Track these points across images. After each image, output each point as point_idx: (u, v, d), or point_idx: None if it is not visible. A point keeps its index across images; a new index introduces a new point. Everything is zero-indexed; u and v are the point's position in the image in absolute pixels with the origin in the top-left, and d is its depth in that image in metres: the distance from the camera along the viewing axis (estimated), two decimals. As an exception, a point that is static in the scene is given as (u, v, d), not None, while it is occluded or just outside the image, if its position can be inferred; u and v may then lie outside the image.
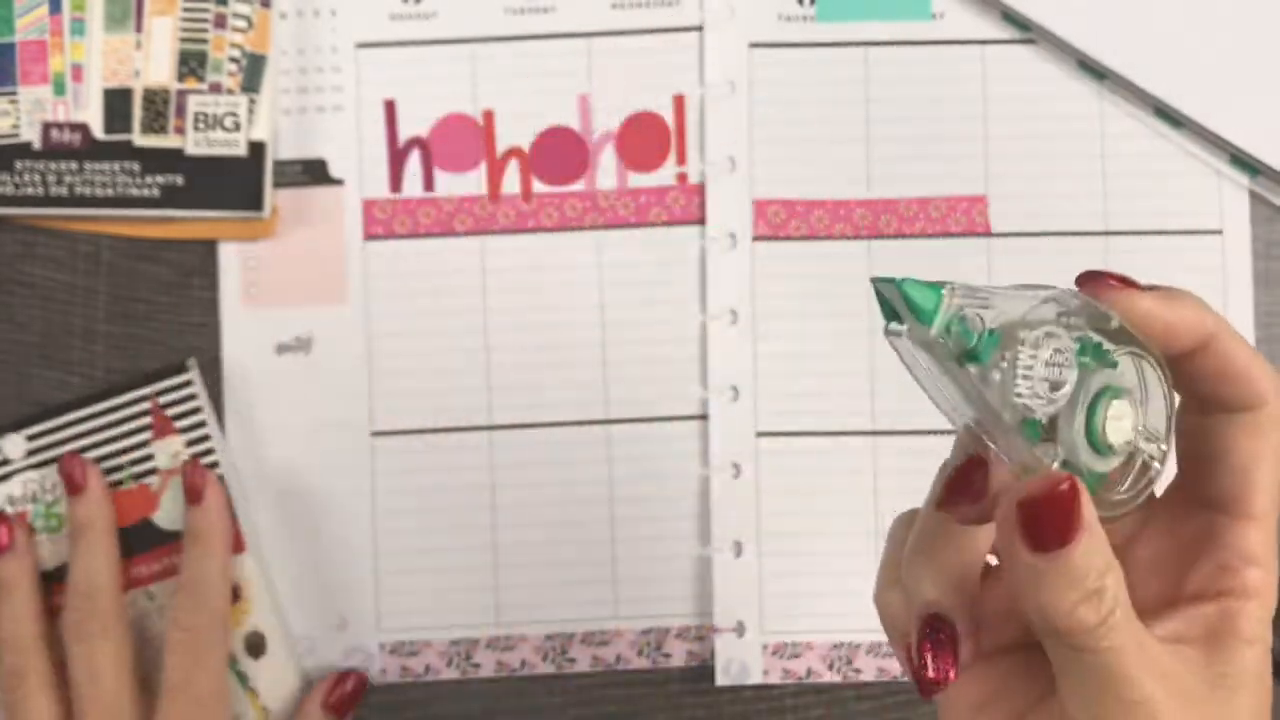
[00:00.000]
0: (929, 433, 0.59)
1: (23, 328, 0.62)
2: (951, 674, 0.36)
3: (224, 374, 0.61)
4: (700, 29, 0.61)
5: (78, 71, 0.61)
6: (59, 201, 0.60)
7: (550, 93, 0.61)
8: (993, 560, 0.38)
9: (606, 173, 0.60)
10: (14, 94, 0.61)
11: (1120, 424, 0.34)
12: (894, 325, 0.34)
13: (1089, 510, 0.33)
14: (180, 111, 0.60)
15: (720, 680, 0.59)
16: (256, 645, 0.59)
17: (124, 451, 0.60)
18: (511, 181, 0.61)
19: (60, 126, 0.61)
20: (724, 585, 0.59)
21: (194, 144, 0.59)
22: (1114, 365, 0.34)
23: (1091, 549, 0.33)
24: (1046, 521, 0.33)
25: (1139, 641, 0.34)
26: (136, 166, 0.59)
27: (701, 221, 0.60)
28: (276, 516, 0.61)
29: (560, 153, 0.61)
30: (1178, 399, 0.36)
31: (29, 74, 0.61)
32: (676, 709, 0.60)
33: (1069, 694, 0.35)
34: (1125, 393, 0.34)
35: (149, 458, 0.60)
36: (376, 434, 0.61)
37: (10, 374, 0.62)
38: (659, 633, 0.60)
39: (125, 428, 0.60)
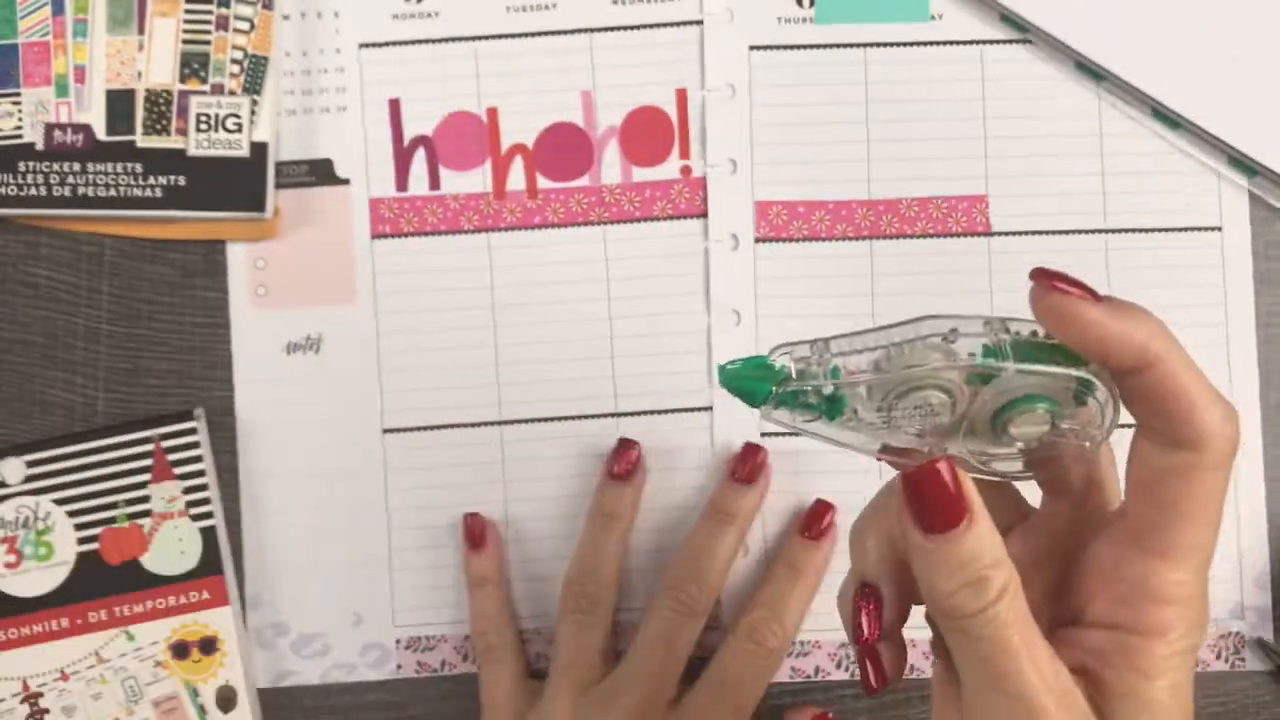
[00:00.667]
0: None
1: (26, 328, 0.62)
2: (876, 634, 0.39)
3: (234, 375, 0.61)
4: (700, 23, 0.61)
5: (80, 73, 0.61)
6: (62, 202, 0.60)
7: (553, 89, 0.61)
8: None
9: (611, 168, 0.61)
10: (17, 95, 0.61)
11: (1025, 429, 0.36)
12: (762, 408, 0.36)
13: (976, 502, 0.35)
14: (182, 113, 0.60)
15: None
16: (228, 699, 0.60)
17: (122, 490, 0.60)
18: (516, 178, 0.61)
19: (63, 128, 0.61)
20: (731, 584, 0.60)
21: (196, 145, 0.60)
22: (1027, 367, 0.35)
23: (978, 539, 0.35)
24: (931, 504, 0.35)
25: (1027, 641, 0.35)
26: (139, 167, 0.60)
27: (706, 215, 0.60)
28: (289, 515, 0.61)
29: (564, 149, 0.61)
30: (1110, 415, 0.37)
31: (32, 75, 0.61)
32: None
33: (962, 681, 0.36)
34: (1039, 399, 0.36)
35: (145, 499, 0.60)
36: (388, 431, 0.61)
37: (13, 374, 0.62)
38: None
39: (126, 466, 0.61)
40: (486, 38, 0.61)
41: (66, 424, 0.62)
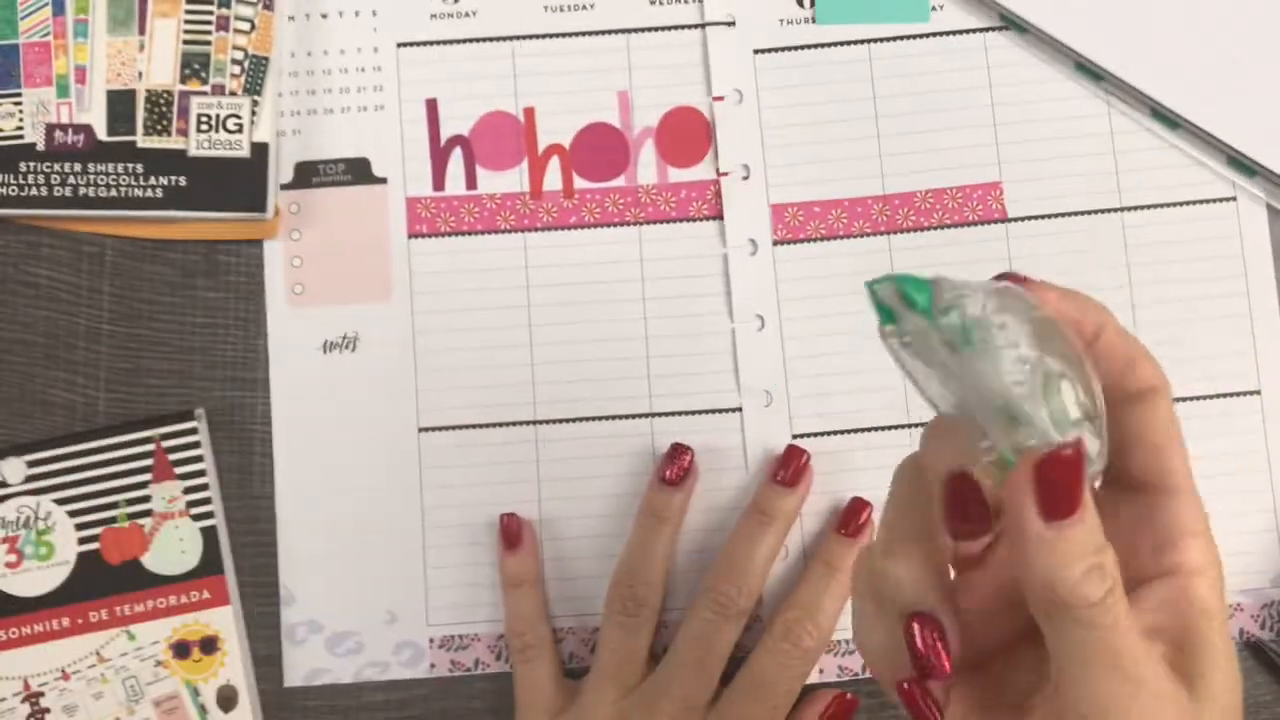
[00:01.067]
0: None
1: (27, 328, 0.61)
2: (947, 667, 0.37)
3: (271, 374, 0.61)
4: (733, 24, 0.62)
5: (81, 73, 0.61)
6: (63, 202, 0.59)
7: (590, 90, 0.62)
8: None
9: (647, 168, 0.61)
10: (18, 95, 0.60)
11: (1070, 402, 0.36)
12: (888, 326, 0.36)
13: (1087, 485, 0.35)
14: (183, 113, 0.60)
15: None
16: (228, 699, 0.59)
17: (122, 490, 0.60)
18: (553, 178, 0.61)
19: (64, 128, 0.60)
20: (771, 585, 0.60)
21: (197, 146, 0.59)
22: (1058, 349, 0.35)
23: (1094, 523, 0.35)
24: (1058, 489, 0.35)
25: (1129, 623, 0.35)
26: (140, 168, 0.59)
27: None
28: (324, 514, 0.61)
29: (601, 149, 0.61)
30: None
31: (33, 76, 0.60)
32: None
33: (1071, 678, 0.36)
34: (1067, 375, 0.35)
35: (146, 499, 0.60)
36: (424, 430, 0.61)
37: (14, 374, 0.61)
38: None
39: (127, 466, 0.60)
40: (524, 38, 0.61)
41: (67, 424, 0.61)
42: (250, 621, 0.61)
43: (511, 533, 0.59)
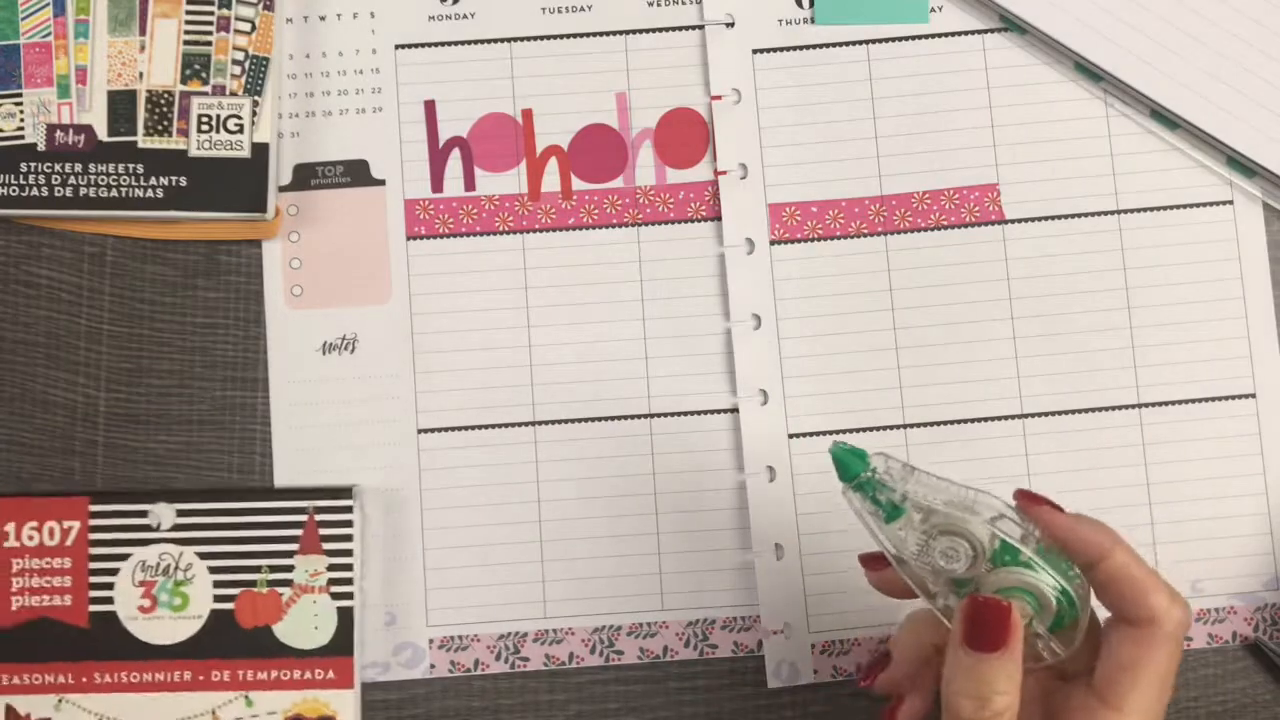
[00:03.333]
0: (959, 422, 0.61)
1: (28, 328, 0.62)
2: (870, 683, 0.52)
3: (270, 375, 0.61)
4: (732, 25, 0.62)
5: (82, 74, 0.61)
6: (63, 203, 0.60)
7: (588, 91, 0.62)
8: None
9: (645, 169, 0.61)
10: (19, 96, 0.60)
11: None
12: (843, 484, 0.47)
13: (1017, 638, 0.44)
14: (184, 113, 0.60)
15: (771, 683, 0.60)
16: None
17: (267, 555, 0.60)
18: (551, 180, 0.61)
19: (65, 128, 0.60)
20: (767, 588, 0.60)
21: (197, 146, 0.59)
22: (1026, 566, 0.45)
23: (1003, 667, 0.44)
24: (982, 627, 0.44)
25: None
26: (140, 168, 0.59)
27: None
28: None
29: (599, 150, 0.61)
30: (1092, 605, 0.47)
31: (33, 76, 0.60)
32: (678, 705, 0.62)
33: None
34: (1027, 592, 0.45)
35: (289, 568, 0.59)
36: (423, 431, 0.61)
37: (16, 374, 0.61)
38: (705, 624, 0.60)
39: (276, 532, 0.60)
40: (522, 39, 0.61)
41: (68, 424, 0.61)
42: None
43: None
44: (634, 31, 0.61)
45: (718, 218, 0.60)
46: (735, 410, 0.61)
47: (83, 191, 0.59)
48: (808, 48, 0.61)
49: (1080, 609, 0.45)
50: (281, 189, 0.61)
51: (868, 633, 0.61)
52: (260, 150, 0.59)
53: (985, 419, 0.60)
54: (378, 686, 0.61)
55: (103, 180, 0.59)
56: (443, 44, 0.61)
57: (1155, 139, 0.60)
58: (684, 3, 0.61)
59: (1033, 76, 0.60)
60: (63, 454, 0.61)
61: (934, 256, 0.60)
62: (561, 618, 0.61)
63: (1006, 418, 0.60)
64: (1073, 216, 0.60)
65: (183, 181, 0.59)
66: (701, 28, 0.62)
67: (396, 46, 0.61)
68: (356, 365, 0.61)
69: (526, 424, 0.61)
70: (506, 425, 0.61)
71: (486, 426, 0.61)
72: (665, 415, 0.61)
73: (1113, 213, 0.60)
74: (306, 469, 0.61)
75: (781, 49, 0.61)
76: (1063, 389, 0.59)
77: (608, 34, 0.61)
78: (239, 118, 0.59)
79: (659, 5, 0.61)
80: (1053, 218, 0.60)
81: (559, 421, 0.61)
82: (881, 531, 0.47)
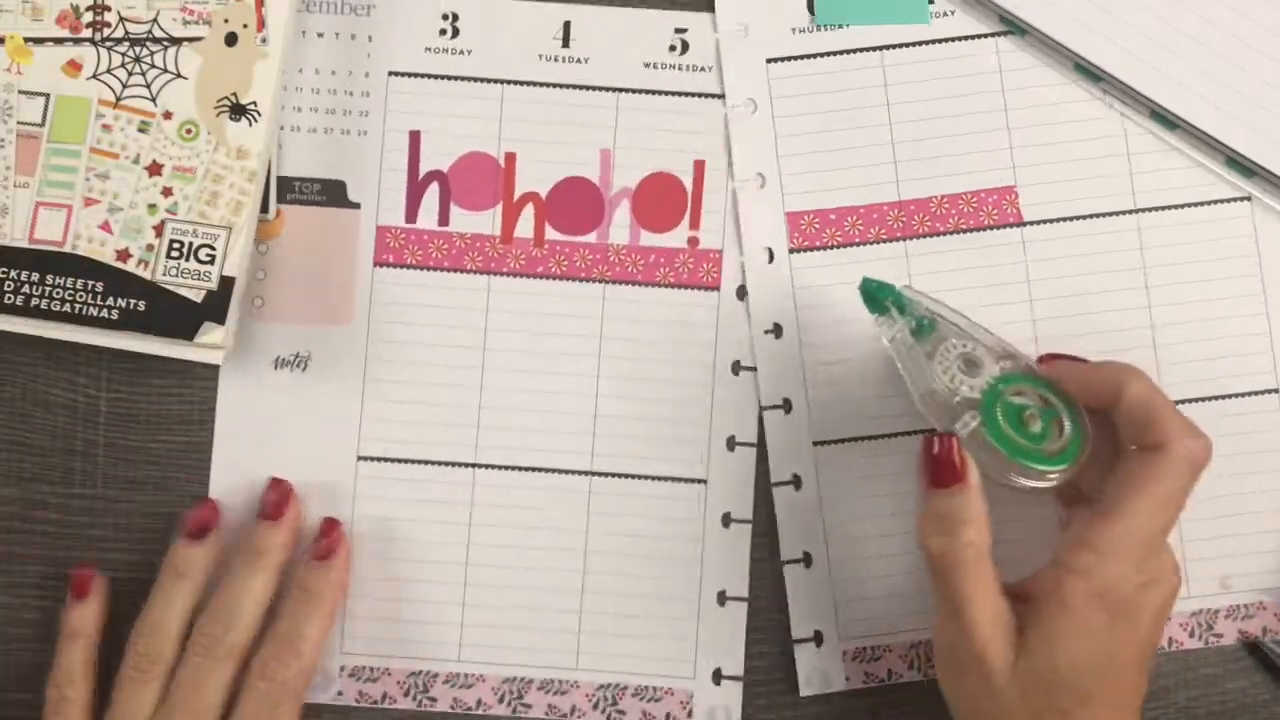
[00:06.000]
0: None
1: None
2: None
3: (219, 382, 0.61)
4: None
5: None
6: (12, 310, 0.58)
7: (573, 143, 0.61)
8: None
9: (620, 228, 0.61)
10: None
11: (1034, 424, 0.51)
12: (874, 316, 0.54)
13: (972, 473, 0.50)
14: (157, 230, 0.58)
15: (804, 691, 0.60)
16: None
17: None
18: (525, 225, 0.61)
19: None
20: (797, 596, 0.60)
21: (164, 272, 0.58)
22: (1034, 385, 0.52)
23: (964, 499, 0.50)
24: (935, 465, 0.50)
25: (983, 583, 0.49)
26: (100, 286, 0.58)
27: (709, 287, 0.61)
28: (248, 527, 0.60)
29: (576, 203, 0.61)
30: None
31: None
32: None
33: (937, 614, 0.52)
34: (1034, 408, 0.51)
35: None
36: (363, 459, 0.61)
37: (17, 374, 0.62)
38: (617, 689, 0.60)
39: None
40: (515, 83, 0.61)
41: (68, 424, 0.61)
42: None
43: (81, 584, 0.58)
44: (627, 90, 0.61)
45: (686, 285, 0.60)
46: (676, 479, 0.61)
47: (34, 302, 0.57)
48: (821, 55, 0.61)
49: (1085, 437, 0.50)
50: (256, 198, 0.61)
51: (899, 639, 0.60)
52: (226, 283, 0.57)
53: None
54: (331, 708, 0.61)
55: (58, 294, 0.57)
56: (436, 76, 0.61)
57: (1171, 143, 0.60)
58: (680, 68, 0.61)
59: (1046, 78, 0.60)
60: (63, 454, 0.61)
61: (954, 260, 0.60)
62: (475, 663, 0.61)
63: None
64: (1091, 217, 0.60)
65: (140, 306, 0.57)
66: (702, 96, 0.62)
67: (390, 74, 0.61)
68: (306, 383, 0.61)
69: (467, 465, 0.61)
70: (447, 464, 0.61)
71: (427, 462, 0.61)
72: (607, 475, 0.60)
73: (1131, 212, 0.60)
74: (241, 481, 0.61)
75: (795, 57, 0.61)
76: None
77: (601, 89, 0.61)
78: (212, 248, 0.58)
79: (655, 67, 0.61)
80: (1071, 218, 0.60)
81: (499, 467, 0.61)
82: (907, 355, 0.52)
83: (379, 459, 0.61)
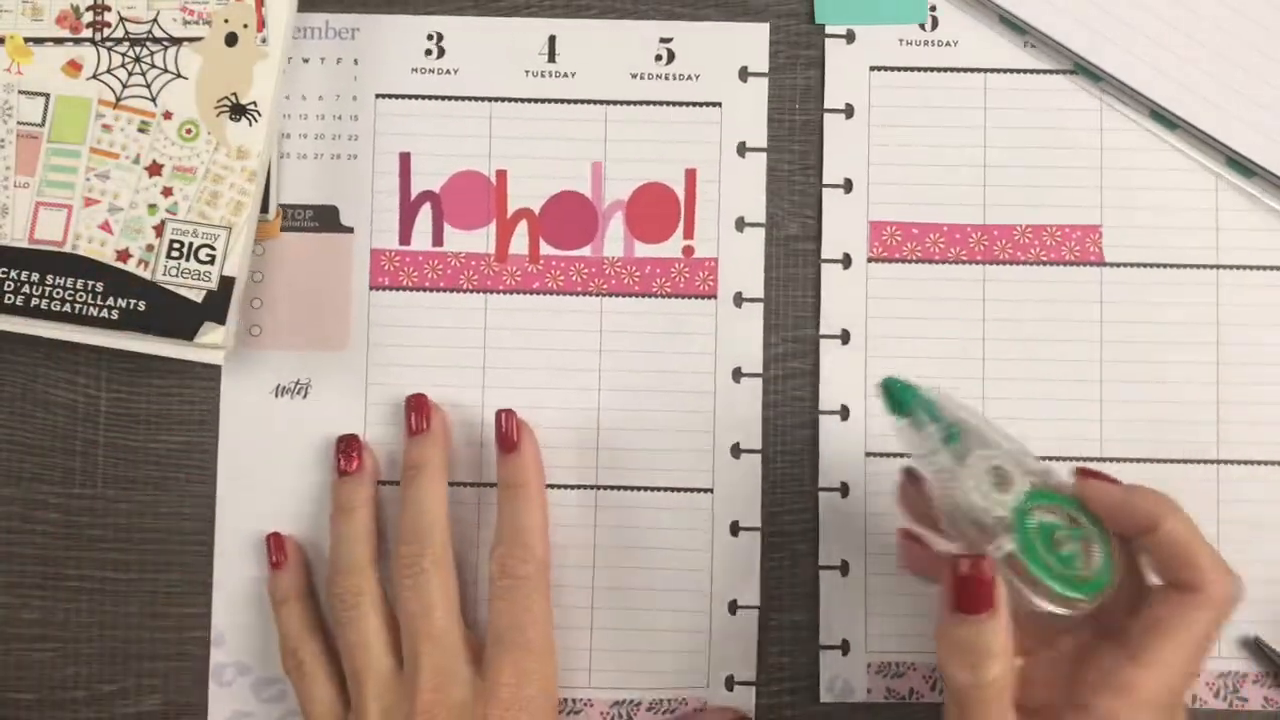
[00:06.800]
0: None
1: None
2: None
3: (221, 413, 0.61)
4: (720, 104, 0.62)
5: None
6: (12, 310, 0.58)
7: (564, 158, 0.61)
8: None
9: (614, 240, 0.61)
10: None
11: (1065, 546, 0.46)
12: (895, 418, 0.48)
13: (1002, 599, 0.45)
14: (158, 230, 0.58)
15: (824, 697, 0.60)
16: None
17: None
18: (520, 242, 0.61)
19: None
20: (829, 603, 0.60)
21: (164, 272, 0.58)
22: (1061, 503, 0.47)
23: (989, 628, 0.45)
24: (964, 589, 0.45)
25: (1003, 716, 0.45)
26: (100, 286, 0.57)
27: (705, 295, 0.60)
28: (261, 557, 0.61)
29: (570, 217, 0.61)
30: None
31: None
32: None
33: None
34: (1065, 529, 0.47)
35: None
36: (369, 482, 0.60)
37: (17, 374, 0.62)
38: (631, 705, 0.60)
39: None
40: (502, 100, 0.61)
41: (68, 424, 0.61)
42: (180, 659, 0.61)
43: (275, 551, 0.59)
44: (615, 102, 0.61)
45: (682, 295, 0.60)
46: (682, 489, 0.60)
47: (34, 302, 0.57)
48: (926, 70, 0.61)
49: (1115, 563, 0.46)
50: (250, 228, 0.61)
51: (925, 659, 0.60)
52: (226, 283, 0.57)
53: (1063, 458, 0.60)
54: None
55: (58, 294, 0.57)
56: (423, 97, 0.61)
57: (1266, 199, 0.60)
58: (666, 78, 0.61)
59: (1145, 125, 0.60)
60: (63, 454, 0.61)
61: (1030, 291, 0.60)
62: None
63: (1085, 459, 0.60)
64: (1171, 266, 0.60)
65: (140, 306, 0.57)
66: (690, 105, 0.62)
67: (377, 96, 0.61)
68: (307, 411, 0.60)
69: (472, 484, 0.60)
70: (452, 484, 0.60)
71: (433, 483, 0.60)
72: (611, 488, 0.60)
73: (1211, 267, 0.59)
74: (248, 511, 0.61)
75: (900, 69, 0.61)
76: (1143, 436, 0.59)
77: (589, 102, 0.61)
78: (212, 248, 0.57)
79: (641, 78, 0.61)
80: (1151, 265, 0.60)
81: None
82: (930, 464, 0.48)
83: (383, 482, 0.60)
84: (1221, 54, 0.58)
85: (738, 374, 0.61)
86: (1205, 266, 0.59)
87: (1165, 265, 0.59)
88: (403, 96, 0.62)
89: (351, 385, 0.61)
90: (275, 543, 0.59)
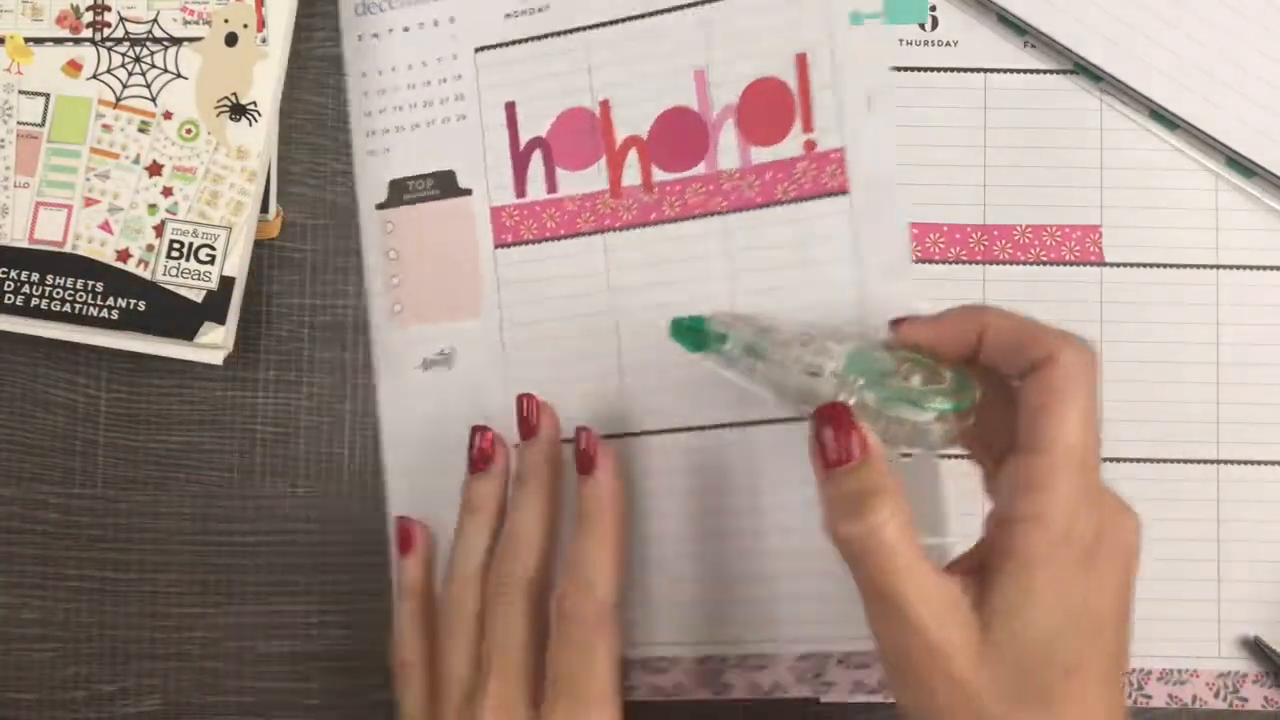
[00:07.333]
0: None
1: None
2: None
3: (378, 394, 0.61)
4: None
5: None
6: (12, 310, 0.58)
7: (665, 73, 0.58)
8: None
9: (728, 152, 0.57)
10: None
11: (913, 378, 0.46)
12: (695, 353, 0.50)
13: (871, 439, 0.43)
14: (157, 230, 0.58)
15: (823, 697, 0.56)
16: None
17: None
18: (631, 173, 0.58)
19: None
20: None
21: (164, 272, 0.57)
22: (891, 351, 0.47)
23: (865, 471, 0.42)
24: (828, 440, 0.43)
25: (916, 561, 0.41)
26: (100, 286, 0.58)
27: (835, 192, 0.56)
28: (434, 528, 0.60)
29: (679, 135, 0.57)
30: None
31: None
32: None
33: (867, 615, 0.43)
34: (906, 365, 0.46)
35: None
36: (519, 444, 0.58)
37: (16, 374, 0.63)
38: (819, 658, 0.57)
39: None
40: (596, 26, 0.59)
41: (68, 424, 0.62)
42: (180, 659, 0.61)
43: (406, 535, 0.57)
44: (708, 1, 0.57)
45: (808, 197, 0.56)
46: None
47: (34, 302, 0.58)
48: (925, 70, 0.58)
49: (968, 378, 0.46)
50: (377, 206, 0.61)
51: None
52: (226, 283, 0.57)
53: None
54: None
55: (58, 294, 0.58)
56: (520, 41, 0.59)
57: (1261, 201, 0.57)
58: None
59: (1145, 125, 0.57)
60: (63, 454, 0.62)
61: (1030, 291, 0.57)
62: (663, 644, 0.58)
63: None
64: (1171, 266, 0.57)
65: (141, 306, 0.57)
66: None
67: (476, 50, 0.60)
68: (455, 380, 0.60)
69: (621, 435, 0.58)
70: (603, 436, 0.57)
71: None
72: (760, 424, 0.57)
73: (1211, 267, 0.57)
74: (421, 489, 0.61)
75: (900, 69, 0.58)
76: (1143, 436, 0.57)
77: (682, 6, 0.58)
78: (212, 248, 0.57)
79: (735, -29, 0.56)
80: (1151, 265, 0.57)
81: (655, 432, 0.58)
82: (758, 369, 0.48)
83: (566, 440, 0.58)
84: (1221, 54, 0.56)
85: (883, 272, 0.56)
86: (1205, 266, 0.57)
87: (1165, 265, 0.57)
88: (500, 45, 0.60)
89: (490, 349, 0.60)
90: (403, 530, 0.57)
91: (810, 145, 0.56)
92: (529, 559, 0.53)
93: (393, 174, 0.61)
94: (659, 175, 0.58)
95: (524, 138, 0.59)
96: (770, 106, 0.57)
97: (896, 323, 0.47)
